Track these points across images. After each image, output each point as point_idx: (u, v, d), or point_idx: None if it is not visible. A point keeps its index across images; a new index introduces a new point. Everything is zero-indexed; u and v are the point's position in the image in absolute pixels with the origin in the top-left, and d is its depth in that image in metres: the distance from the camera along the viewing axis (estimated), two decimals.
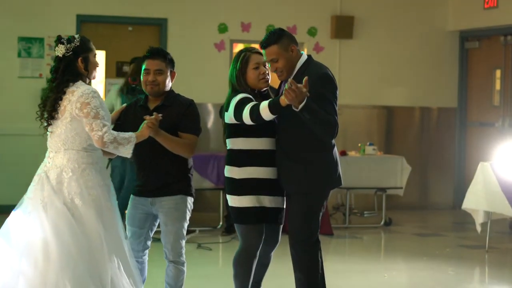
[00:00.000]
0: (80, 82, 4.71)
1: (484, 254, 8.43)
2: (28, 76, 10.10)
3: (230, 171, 5.16)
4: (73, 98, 4.64)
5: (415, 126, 11.79)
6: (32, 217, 4.57)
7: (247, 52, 5.17)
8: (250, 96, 5.04)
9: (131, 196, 5.21)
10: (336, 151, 5.12)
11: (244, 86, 5.11)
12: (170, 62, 5.15)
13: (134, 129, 4.86)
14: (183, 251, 5.12)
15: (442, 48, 11.77)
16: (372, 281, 7.20)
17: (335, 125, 4.91)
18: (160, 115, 4.87)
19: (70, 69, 4.71)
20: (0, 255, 4.58)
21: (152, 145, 4.93)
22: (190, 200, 5.13)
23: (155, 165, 5.05)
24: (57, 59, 4.76)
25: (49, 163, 4.70)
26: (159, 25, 10.76)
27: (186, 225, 5.13)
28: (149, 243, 5.24)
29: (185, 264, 5.15)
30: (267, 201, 5.11)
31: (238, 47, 11.01)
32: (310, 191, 5.02)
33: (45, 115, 4.71)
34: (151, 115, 4.88)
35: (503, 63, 11.11)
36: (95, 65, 4.85)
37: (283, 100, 4.72)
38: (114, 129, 5.10)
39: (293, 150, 5.02)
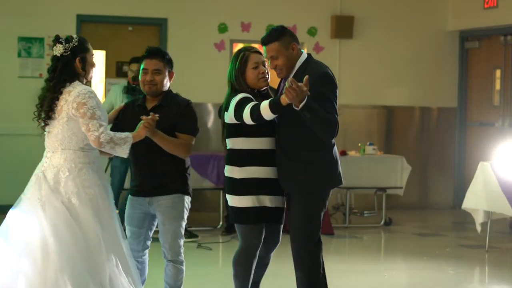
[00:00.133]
0: (77, 82, 4.73)
1: (484, 253, 8.43)
2: (28, 76, 10.11)
3: (231, 171, 5.15)
4: (70, 98, 4.65)
5: (415, 126, 11.79)
6: (31, 216, 4.58)
7: (246, 52, 5.15)
8: (250, 96, 5.03)
9: (129, 196, 5.22)
10: (336, 150, 5.12)
11: (243, 86, 5.10)
12: (169, 62, 5.15)
13: (132, 128, 4.87)
14: (182, 250, 5.13)
15: (442, 48, 11.77)
16: (372, 281, 7.20)
17: (336, 124, 4.90)
18: (157, 115, 4.87)
19: (67, 69, 4.72)
20: None
21: (149, 145, 4.93)
22: (187, 199, 5.13)
23: (152, 165, 5.06)
24: (54, 58, 4.77)
25: (46, 162, 4.72)
26: (159, 25, 10.77)
27: (184, 224, 5.13)
28: (148, 243, 5.25)
29: (184, 263, 5.16)
30: (267, 201, 5.10)
31: (238, 47, 11.00)
32: (311, 191, 5.02)
33: (42, 115, 4.72)
34: (148, 115, 4.89)
35: (503, 63, 11.11)
36: (92, 65, 4.87)
37: (284, 99, 4.71)
38: (112, 128, 5.12)
39: (293, 149, 5.01)
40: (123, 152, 4.71)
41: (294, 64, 5.06)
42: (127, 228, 5.17)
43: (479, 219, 8.43)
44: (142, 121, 4.85)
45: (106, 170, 8.31)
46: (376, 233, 9.76)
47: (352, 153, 10.21)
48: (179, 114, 5.05)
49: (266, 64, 5.16)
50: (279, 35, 5.03)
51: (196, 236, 8.71)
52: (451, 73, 11.82)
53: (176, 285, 5.14)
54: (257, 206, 5.07)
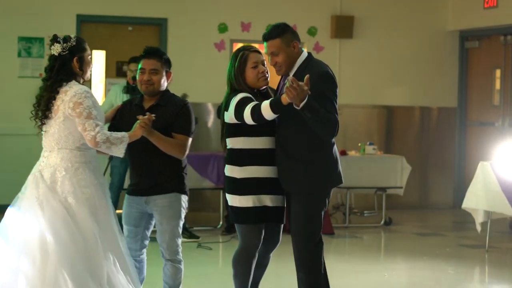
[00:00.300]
0: (73, 82, 4.75)
1: (484, 253, 8.43)
2: (28, 76, 10.11)
3: (231, 171, 5.14)
4: (66, 98, 4.67)
5: (415, 126, 11.79)
6: (29, 215, 4.60)
7: (245, 51, 5.14)
8: (250, 96, 5.02)
9: (126, 195, 5.23)
10: (336, 149, 5.11)
11: (243, 85, 5.09)
12: (166, 62, 5.16)
13: (129, 127, 4.89)
14: (180, 250, 5.13)
15: (442, 48, 11.77)
16: (372, 280, 7.20)
17: (336, 123, 4.90)
18: (153, 115, 4.88)
19: (65, 68, 4.74)
20: None
21: (145, 144, 4.94)
22: (184, 198, 5.14)
23: (148, 164, 5.07)
24: (52, 58, 4.79)
25: (43, 162, 4.74)
26: (159, 25, 10.77)
27: (181, 223, 5.14)
28: (146, 242, 5.25)
29: (182, 262, 5.16)
30: (268, 200, 5.09)
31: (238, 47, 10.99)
32: (311, 191, 5.01)
33: (39, 114, 4.74)
34: (145, 114, 4.90)
35: (503, 62, 11.11)
36: (90, 65, 4.88)
37: (285, 99, 4.70)
38: (109, 127, 5.13)
39: (292, 149, 5.01)
40: (119, 151, 4.73)
41: (294, 62, 5.05)
42: (124, 227, 5.18)
43: (479, 218, 8.43)
44: (138, 121, 4.86)
45: (106, 170, 8.31)
46: (376, 233, 9.76)
47: (352, 153, 10.21)
48: (175, 114, 5.06)
49: (265, 63, 5.16)
50: (281, 32, 5.03)
51: (197, 237, 8.71)
52: (451, 73, 11.82)
53: (175, 284, 5.14)
54: (258, 206, 5.06)
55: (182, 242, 8.47)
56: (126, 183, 8.50)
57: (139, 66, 5.14)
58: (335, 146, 5.11)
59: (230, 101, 5.06)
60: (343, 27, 11.20)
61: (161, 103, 5.10)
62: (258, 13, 10.96)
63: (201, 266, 7.58)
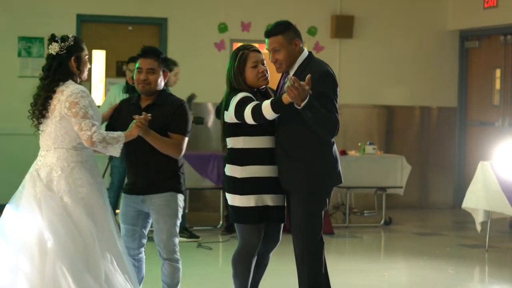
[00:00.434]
0: (70, 82, 4.76)
1: (484, 253, 8.43)
2: (28, 76, 10.11)
3: (232, 170, 5.13)
4: (63, 98, 4.69)
5: (415, 126, 11.79)
6: (27, 213, 4.62)
7: (245, 50, 5.12)
8: (250, 95, 5.02)
9: (123, 194, 5.24)
10: (335, 149, 5.11)
11: (242, 85, 5.08)
12: (163, 62, 5.17)
13: (126, 127, 4.90)
14: (177, 249, 5.13)
15: (442, 48, 11.77)
16: (372, 280, 7.20)
17: (336, 123, 4.90)
18: (149, 114, 4.89)
19: (62, 68, 4.76)
20: None
21: (141, 144, 4.95)
22: (181, 198, 5.15)
23: (144, 163, 5.07)
24: (50, 57, 4.81)
25: (40, 161, 4.77)
26: (159, 25, 10.77)
27: (178, 222, 5.14)
28: (144, 241, 5.25)
29: (180, 261, 5.16)
30: (269, 199, 5.09)
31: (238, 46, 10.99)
32: (311, 190, 5.01)
33: (36, 113, 4.75)
34: (142, 114, 4.90)
35: (503, 62, 11.11)
36: (87, 65, 4.90)
37: (286, 98, 4.70)
38: (107, 126, 5.15)
39: (292, 148, 5.01)
40: (116, 151, 4.75)
41: (295, 60, 5.05)
42: (121, 226, 5.19)
43: (479, 218, 8.43)
44: (134, 120, 4.87)
45: (106, 170, 8.31)
46: (376, 233, 9.76)
47: (352, 152, 10.22)
48: (172, 114, 5.06)
49: (265, 63, 5.16)
50: (283, 29, 5.03)
51: (197, 236, 8.71)
52: (451, 72, 11.83)
53: (173, 283, 5.15)
54: (258, 206, 5.06)
55: (182, 242, 8.54)
56: None
57: (136, 65, 5.15)
58: (334, 146, 5.11)
59: (230, 100, 5.05)
60: (343, 27, 11.20)
61: (157, 102, 5.10)
62: (258, 13, 10.97)
63: (201, 266, 7.58)
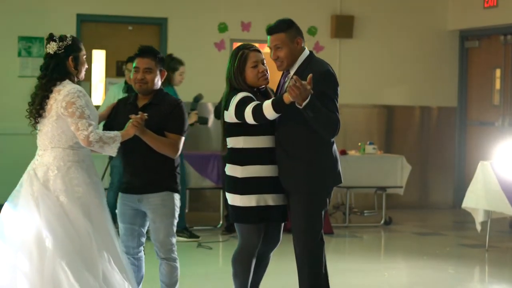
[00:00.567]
0: (67, 81, 4.78)
1: (484, 253, 8.43)
2: (28, 76, 10.10)
3: (232, 170, 5.12)
4: (59, 97, 4.71)
5: (415, 125, 11.79)
6: (24, 212, 4.63)
7: (245, 50, 5.11)
8: (251, 95, 5.01)
9: (119, 193, 5.25)
10: (335, 148, 5.11)
11: (242, 84, 5.07)
12: (160, 61, 5.17)
13: (124, 126, 4.91)
14: (174, 248, 5.14)
15: (442, 48, 11.77)
16: (372, 280, 7.20)
17: (337, 122, 4.90)
18: (145, 114, 4.90)
19: (60, 67, 4.78)
20: None
21: (138, 143, 4.96)
22: (177, 197, 5.16)
23: (141, 163, 5.08)
24: (47, 56, 4.83)
25: (37, 160, 4.79)
26: (159, 25, 10.77)
27: (175, 222, 5.15)
28: (143, 239, 5.26)
29: (177, 260, 5.17)
30: (270, 199, 5.08)
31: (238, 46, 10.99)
32: (311, 190, 5.01)
33: (34, 113, 4.78)
34: (138, 113, 4.91)
35: (503, 62, 11.11)
36: (84, 65, 4.92)
37: (287, 97, 4.69)
38: (105, 125, 5.16)
39: (292, 148, 5.01)
40: (112, 151, 4.77)
41: (296, 58, 5.05)
42: (120, 225, 5.21)
43: (479, 218, 8.43)
44: (131, 120, 4.88)
45: (106, 170, 8.31)
46: (376, 233, 9.76)
47: (352, 152, 10.21)
48: (168, 113, 5.07)
49: (265, 62, 5.15)
50: (286, 27, 5.03)
51: (197, 236, 8.71)
52: (451, 72, 11.83)
53: (171, 282, 5.15)
54: (259, 205, 5.05)
55: (183, 242, 8.55)
56: None
57: (133, 64, 5.16)
58: (334, 146, 5.11)
59: (230, 100, 5.05)
60: (343, 26, 11.20)
61: (154, 102, 5.11)
62: (258, 12, 10.97)
63: (201, 266, 7.58)
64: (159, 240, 5.09)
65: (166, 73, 5.24)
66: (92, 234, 4.63)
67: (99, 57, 10.66)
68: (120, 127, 4.90)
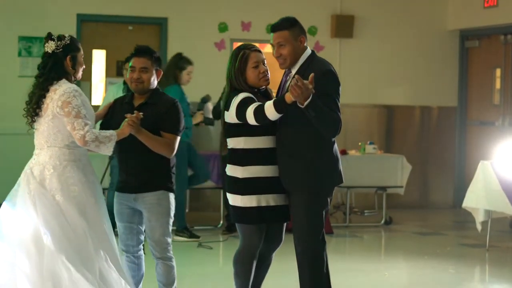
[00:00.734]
0: (63, 81, 4.80)
1: (484, 252, 8.43)
2: (28, 76, 10.08)
3: (233, 170, 5.11)
4: (55, 97, 4.73)
5: (415, 125, 11.79)
6: (22, 210, 4.65)
7: (246, 50, 5.10)
8: (252, 96, 4.99)
9: (115, 192, 5.25)
10: (336, 148, 5.10)
11: (243, 85, 5.06)
12: (156, 61, 5.18)
13: (119, 125, 4.92)
14: (170, 247, 5.14)
15: (442, 47, 11.77)
16: (373, 280, 7.20)
17: (339, 122, 4.90)
18: (141, 113, 4.91)
19: (57, 66, 4.81)
20: None
21: (134, 142, 4.97)
22: (172, 196, 5.16)
23: (137, 162, 5.09)
24: (46, 55, 4.86)
25: (34, 159, 4.82)
26: (159, 25, 10.77)
27: (171, 221, 5.15)
28: (142, 237, 5.26)
29: (173, 259, 5.17)
30: (271, 199, 5.07)
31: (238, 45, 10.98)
32: (312, 190, 5.00)
33: (30, 111, 4.79)
34: (134, 112, 4.92)
35: (503, 62, 11.11)
36: (82, 65, 4.93)
37: (289, 97, 4.69)
38: (101, 124, 5.18)
39: (293, 148, 5.00)
40: (108, 150, 4.80)
41: (299, 57, 5.04)
42: (118, 224, 5.21)
43: (479, 218, 8.43)
44: (126, 119, 4.88)
45: (106, 170, 8.31)
46: (377, 232, 9.76)
47: (352, 152, 10.21)
48: (164, 113, 5.08)
49: (266, 63, 5.15)
50: (290, 25, 5.03)
51: (197, 236, 8.70)
52: (451, 72, 11.82)
53: (168, 282, 5.15)
54: (260, 206, 5.04)
55: (183, 241, 8.54)
56: None
57: (130, 64, 5.17)
58: (335, 145, 5.10)
59: (231, 101, 5.04)
60: (343, 26, 11.20)
61: (150, 101, 5.12)
62: (258, 12, 10.97)
63: (202, 266, 7.58)
64: (155, 239, 5.09)
65: (162, 73, 5.25)
66: (88, 233, 4.65)
67: (99, 57, 10.66)
68: (116, 127, 4.92)
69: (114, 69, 10.67)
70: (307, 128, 4.90)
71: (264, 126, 4.98)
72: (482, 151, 10.59)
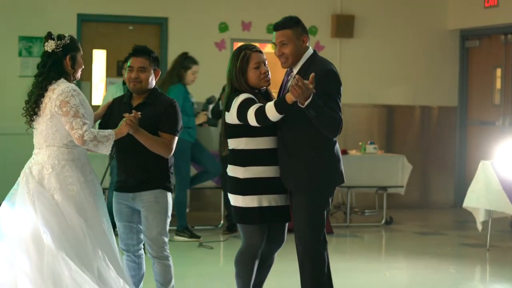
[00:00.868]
0: (62, 80, 4.80)
1: (485, 252, 8.43)
2: (29, 76, 10.08)
3: (234, 171, 5.11)
4: (54, 96, 4.74)
5: (415, 125, 11.79)
6: (21, 210, 4.66)
7: (247, 51, 5.09)
8: (253, 97, 4.98)
9: (114, 192, 5.26)
10: (338, 148, 5.10)
11: (244, 85, 5.05)
12: (154, 60, 5.18)
13: (117, 125, 4.92)
14: (166, 246, 5.13)
15: (443, 47, 11.77)
16: (373, 279, 7.20)
17: (340, 122, 4.89)
18: (139, 113, 4.91)
19: (57, 66, 4.83)
20: None
21: (132, 142, 4.97)
22: (170, 196, 5.16)
23: (135, 161, 5.09)
24: (45, 54, 4.87)
25: (33, 159, 4.84)
26: (160, 24, 10.77)
27: (168, 220, 5.15)
28: (142, 236, 5.25)
29: (170, 258, 5.16)
30: (272, 199, 5.06)
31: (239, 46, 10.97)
32: (313, 190, 5.00)
33: (29, 111, 4.79)
34: (132, 112, 4.92)
35: (503, 62, 11.11)
36: (81, 65, 4.94)
37: (289, 97, 4.69)
38: (100, 124, 5.19)
39: (294, 148, 5.00)
40: (106, 149, 4.81)
41: (301, 56, 5.03)
42: (118, 224, 5.21)
43: (480, 217, 8.43)
44: (124, 119, 4.89)
45: (106, 170, 8.31)
46: (377, 232, 9.76)
47: (353, 152, 10.21)
48: (162, 113, 5.08)
49: (267, 63, 5.14)
50: (293, 24, 5.03)
51: (198, 236, 8.70)
52: (451, 72, 11.82)
53: (165, 281, 5.15)
54: (262, 206, 5.03)
55: (184, 241, 8.54)
56: None
57: (128, 64, 5.17)
58: (337, 145, 5.10)
59: (231, 101, 5.03)
60: (344, 26, 11.20)
61: (148, 101, 5.13)
62: (259, 12, 10.97)
63: (202, 266, 7.58)
64: (151, 237, 5.08)
65: (160, 73, 5.25)
66: (86, 232, 4.66)
67: (99, 57, 10.66)
68: (115, 126, 4.93)
69: (115, 69, 10.66)
70: (308, 128, 4.89)
71: (265, 127, 4.98)
72: (483, 151, 10.60)
